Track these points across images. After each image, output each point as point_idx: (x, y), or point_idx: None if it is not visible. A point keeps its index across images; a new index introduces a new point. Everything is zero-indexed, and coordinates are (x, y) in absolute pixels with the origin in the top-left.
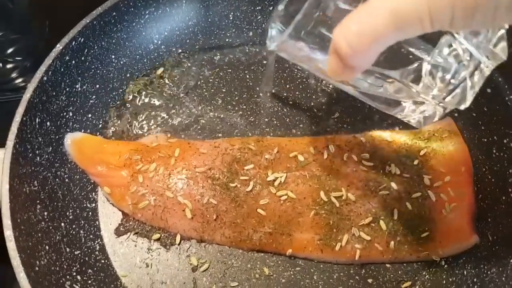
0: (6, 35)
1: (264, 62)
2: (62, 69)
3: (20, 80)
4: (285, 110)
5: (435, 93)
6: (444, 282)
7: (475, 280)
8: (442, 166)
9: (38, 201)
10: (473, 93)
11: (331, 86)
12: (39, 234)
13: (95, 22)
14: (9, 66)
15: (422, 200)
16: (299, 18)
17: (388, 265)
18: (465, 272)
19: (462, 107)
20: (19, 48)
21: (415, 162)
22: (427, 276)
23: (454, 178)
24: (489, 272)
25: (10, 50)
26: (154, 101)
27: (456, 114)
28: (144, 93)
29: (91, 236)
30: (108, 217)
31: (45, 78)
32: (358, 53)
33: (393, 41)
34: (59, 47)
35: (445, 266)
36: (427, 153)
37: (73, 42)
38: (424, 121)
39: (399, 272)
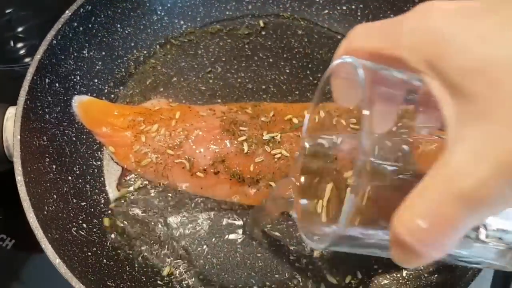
0: (16, 11)
1: (263, 33)
2: (70, 34)
3: (29, 59)
4: (282, 78)
5: None
6: None
7: None
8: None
9: (47, 155)
10: None
11: (326, 55)
12: (48, 184)
13: None
14: (19, 45)
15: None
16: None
17: None
18: None
19: None
20: (30, 27)
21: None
22: None
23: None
24: None
25: (20, 29)
26: (156, 69)
27: None
28: (147, 61)
29: (96, 191)
30: (113, 174)
31: (54, 42)
32: (434, 244)
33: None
34: (68, 13)
35: None
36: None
37: (81, 9)
38: None
39: None
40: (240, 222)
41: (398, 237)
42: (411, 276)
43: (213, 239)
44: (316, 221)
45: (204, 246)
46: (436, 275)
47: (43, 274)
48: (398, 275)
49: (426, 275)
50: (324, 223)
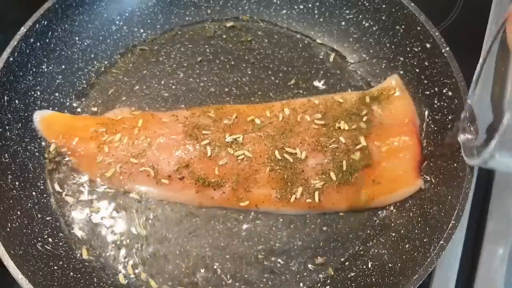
0: None
1: (224, 36)
2: (27, 51)
3: None
4: (244, 79)
5: None
6: (392, 224)
7: (419, 219)
8: (389, 119)
9: (9, 172)
10: None
11: (287, 54)
12: (11, 201)
13: (56, 6)
14: None
15: (368, 151)
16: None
17: (341, 214)
18: (411, 214)
19: None
20: None
21: (364, 119)
22: (377, 221)
23: (400, 129)
24: (431, 211)
25: None
26: (118, 79)
27: (401, 72)
28: (108, 71)
29: (61, 205)
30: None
31: (11, 59)
32: None
33: None
34: (23, 29)
35: (394, 210)
36: (375, 109)
37: (37, 25)
38: None
39: (352, 219)
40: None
41: None
42: (376, 267)
43: (184, 243)
44: None
45: (171, 247)
46: (399, 265)
47: None
48: (364, 267)
49: (390, 264)
50: None
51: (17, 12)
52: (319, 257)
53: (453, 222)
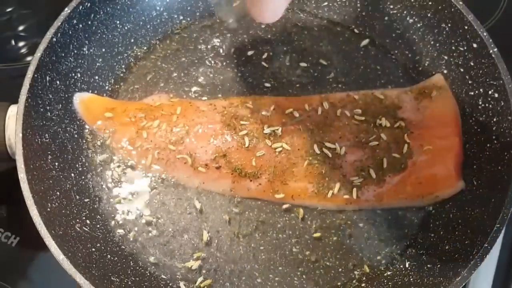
0: (17, 10)
1: (263, 26)
2: (70, 32)
3: (30, 57)
4: (282, 71)
5: None
6: (431, 225)
7: (459, 221)
8: (431, 119)
9: (49, 152)
10: None
11: (326, 47)
12: (50, 181)
13: None
14: (20, 43)
15: (410, 150)
16: None
17: (378, 211)
18: (450, 215)
19: None
20: (30, 25)
21: (405, 116)
22: (416, 221)
23: (443, 130)
24: (472, 213)
25: (21, 27)
26: (156, 65)
27: (445, 71)
28: (147, 57)
29: (99, 187)
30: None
31: (54, 39)
32: None
33: None
34: (67, 10)
35: (433, 211)
36: (418, 108)
37: (80, 6)
38: None
39: (389, 217)
40: (238, 212)
41: None
42: (413, 267)
43: (218, 232)
44: None
45: (208, 239)
46: (438, 266)
47: (48, 270)
48: (401, 266)
49: (429, 265)
50: None
51: None
52: (354, 254)
53: (498, 225)
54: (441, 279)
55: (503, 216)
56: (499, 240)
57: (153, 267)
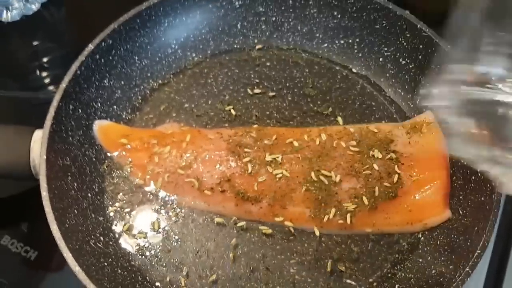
0: (43, 43)
1: (268, 64)
2: (92, 66)
3: (52, 87)
4: (284, 104)
5: None
6: (420, 251)
7: (446, 247)
8: (421, 152)
9: (69, 173)
10: None
11: (325, 84)
12: (70, 200)
13: (121, 27)
14: (44, 74)
15: (400, 180)
16: None
17: (371, 236)
18: (438, 242)
19: None
20: (54, 58)
21: (397, 149)
22: (405, 246)
23: (431, 162)
24: (457, 240)
25: (45, 59)
26: (170, 97)
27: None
28: (162, 89)
29: (113, 207)
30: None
31: (78, 72)
32: None
33: None
34: (90, 46)
35: (422, 238)
36: (408, 142)
37: (103, 43)
38: None
39: (381, 242)
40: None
41: None
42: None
43: (219, 253)
44: None
45: (207, 258)
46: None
47: (63, 284)
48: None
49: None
50: None
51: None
52: (347, 275)
53: (479, 251)
54: None
55: (483, 243)
56: (484, 266)
57: (159, 283)
